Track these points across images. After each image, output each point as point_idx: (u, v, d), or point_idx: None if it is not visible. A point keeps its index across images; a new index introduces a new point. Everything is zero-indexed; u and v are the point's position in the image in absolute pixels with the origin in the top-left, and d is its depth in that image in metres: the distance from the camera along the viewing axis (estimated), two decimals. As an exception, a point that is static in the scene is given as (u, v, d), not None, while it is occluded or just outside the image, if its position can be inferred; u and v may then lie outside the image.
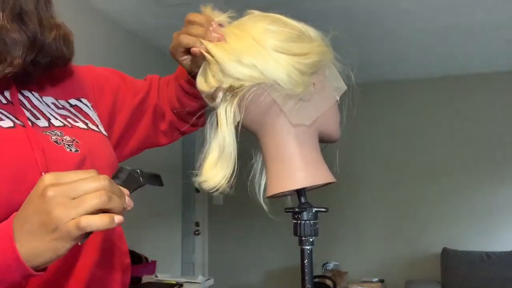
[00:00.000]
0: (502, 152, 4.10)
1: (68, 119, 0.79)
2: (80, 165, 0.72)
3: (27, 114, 0.73)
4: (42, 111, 0.76)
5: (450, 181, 4.17)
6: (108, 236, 0.78)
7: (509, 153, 4.08)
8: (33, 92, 0.78)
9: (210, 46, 0.69)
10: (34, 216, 0.51)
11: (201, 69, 0.73)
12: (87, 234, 0.52)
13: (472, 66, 4.05)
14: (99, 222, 0.51)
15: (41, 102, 0.78)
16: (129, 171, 0.64)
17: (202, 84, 0.71)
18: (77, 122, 0.80)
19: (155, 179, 0.64)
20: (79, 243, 0.53)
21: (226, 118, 0.68)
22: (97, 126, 0.83)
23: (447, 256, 3.93)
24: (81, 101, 0.85)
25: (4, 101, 0.72)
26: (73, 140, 0.76)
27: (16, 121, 0.70)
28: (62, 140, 0.74)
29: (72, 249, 0.54)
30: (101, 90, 0.92)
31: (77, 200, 0.51)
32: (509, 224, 4.04)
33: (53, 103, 0.80)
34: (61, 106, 0.81)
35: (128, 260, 0.86)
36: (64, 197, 0.51)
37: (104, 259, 0.77)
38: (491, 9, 2.88)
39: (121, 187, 0.56)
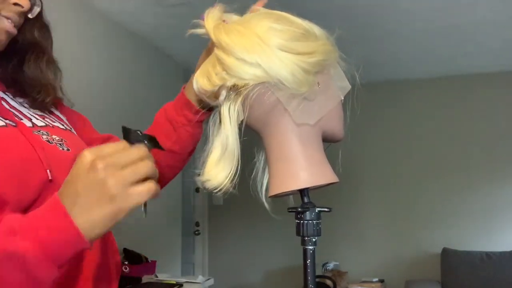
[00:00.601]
0: (502, 152, 4.10)
1: (46, 119, 0.81)
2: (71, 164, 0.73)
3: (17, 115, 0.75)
4: (21, 111, 0.78)
5: (450, 181, 4.17)
6: (104, 250, 0.79)
7: (509, 153, 4.08)
8: (6, 93, 0.80)
9: (219, 38, 0.68)
10: (88, 190, 0.53)
11: (201, 69, 0.72)
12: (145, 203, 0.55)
13: (472, 66, 4.05)
14: (153, 188, 0.54)
15: (16, 102, 0.80)
16: (138, 134, 0.62)
17: (205, 83, 0.70)
18: (54, 122, 0.82)
19: (155, 141, 0.64)
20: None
21: (230, 117, 0.68)
22: (71, 129, 0.86)
23: (447, 256, 3.93)
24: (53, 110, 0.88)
25: None
26: (61, 139, 0.78)
27: (5, 120, 0.71)
28: (53, 140, 0.76)
29: (72, 266, 0.57)
30: (77, 116, 0.95)
31: (129, 168, 0.53)
32: (509, 224, 4.04)
33: (27, 104, 0.82)
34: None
35: (120, 268, 0.87)
36: (114, 167, 0.53)
37: (103, 272, 0.78)
38: (491, 9, 2.88)
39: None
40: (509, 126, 4.12)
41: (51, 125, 0.79)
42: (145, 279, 2.76)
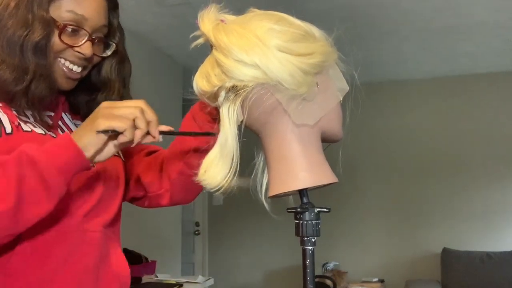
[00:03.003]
0: (502, 152, 4.10)
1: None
2: (95, 178, 0.83)
3: (59, 131, 0.85)
4: (70, 127, 0.88)
5: (450, 181, 4.17)
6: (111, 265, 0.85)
7: (510, 153, 4.08)
8: (67, 114, 0.89)
9: (217, 38, 0.68)
10: (87, 121, 0.70)
11: (201, 70, 0.72)
12: (114, 133, 0.69)
13: (472, 66, 4.05)
14: (119, 124, 0.68)
15: (73, 123, 0.89)
16: None
17: (204, 84, 0.70)
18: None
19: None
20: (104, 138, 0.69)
21: (229, 118, 0.68)
22: None
23: (447, 256, 3.93)
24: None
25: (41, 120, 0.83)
26: None
27: (46, 131, 0.81)
28: None
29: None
30: None
31: (117, 107, 0.69)
32: (509, 224, 4.04)
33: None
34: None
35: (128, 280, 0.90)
36: (110, 107, 0.70)
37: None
38: (491, 9, 2.88)
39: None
40: (509, 126, 4.12)
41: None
42: (145, 279, 2.76)
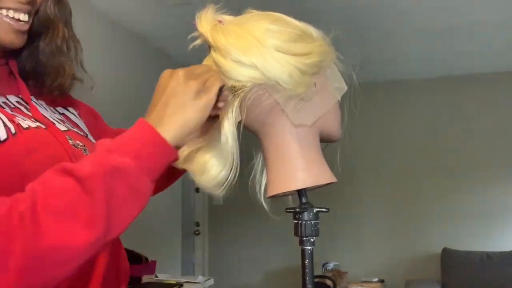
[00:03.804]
0: (502, 152, 4.10)
1: (66, 124, 0.79)
2: None
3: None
4: (44, 115, 0.75)
5: (450, 181, 4.17)
6: (115, 256, 0.80)
7: (509, 153, 4.08)
8: (31, 96, 0.77)
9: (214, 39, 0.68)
10: (173, 95, 0.60)
11: None
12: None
13: (472, 66, 4.05)
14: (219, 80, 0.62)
15: (39, 105, 0.78)
16: None
17: None
18: (74, 128, 0.80)
19: None
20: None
21: (228, 118, 0.68)
22: (86, 135, 0.83)
23: (447, 256, 3.93)
24: (68, 110, 0.85)
25: (12, 105, 0.71)
26: (84, 145, 0.77)
27: (36, 121, 0.70)
28: (77, 145, 0.75)
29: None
30: (89, 110, 0.92)
31: (200, 74, 0.62)
32: (509, 224, 4.04)
33: (48, 108, 0.80)
34: (54, 111, 0.81)
35: (128, 274, 0.87)
36: (191, 74, 0.61)
37: (113, 278, 0.78)
38: (491, 9, 2.88)
39: None
40: (509, 126, 4.11)
41: (71, 130, 0.78)
42: (145, 279, 2.76)
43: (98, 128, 0.91)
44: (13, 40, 0.70)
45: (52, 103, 0.81)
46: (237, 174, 0.68)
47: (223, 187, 0.68)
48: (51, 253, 0.50)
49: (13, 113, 0.68)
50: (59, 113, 0.81)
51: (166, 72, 0.63)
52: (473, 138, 4.18)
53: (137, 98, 3.27)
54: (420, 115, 4.32)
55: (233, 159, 0.68)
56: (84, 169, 0.53)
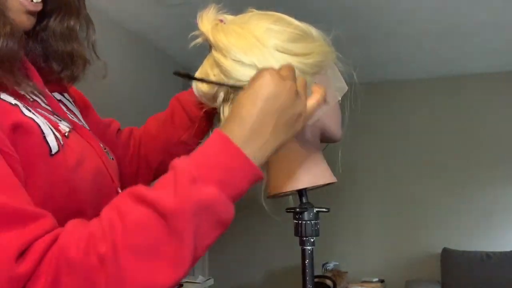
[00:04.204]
0: (502, 152, 4.10)
1: (74, 118, 0.73)
2: (118, 174, 0.73)
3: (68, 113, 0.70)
4: (62, 108, 0.70)
5: (450, 181, 4.17)
6: None
7: (509, 153, 4.08)
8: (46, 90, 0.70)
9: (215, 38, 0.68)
10: (277, 116, 0.54)
11: (200, 71, 0.72)
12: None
13: (472, 66, 4.05)
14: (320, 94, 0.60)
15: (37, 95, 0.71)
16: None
17: (203, 84, 0.70)
18: (81, 122, 0.75)
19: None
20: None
21: None
22: (83, 125, 0.77)
23: (447, 256, 3.93)
24: (64, 96, 0.77)
25: (30, 98, 0.63)
26: (105, 147, 0.73)
27: (63, 122, 0.65)
28: (104, 148, 0.72)
29: None
30: (81, 97, 0.85)
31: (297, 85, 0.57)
32: (509, 224, 4.04)
33: (60, 95, 0.74)
34: (57, 101, 0.74)
35: None
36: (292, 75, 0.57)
37: None
38: (491, 9, 2.88)
39: None
40: (509, 126, 4.11)
41: (79, 125, 0.72)
42: (145, 279, 2.76)
43: (90, 118, 0.83)
44: (25, 22, 0.62)
45: (48, 87, 0.72)
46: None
47: None
48: None
49: (41, 111, 0.62)
50: (57, 99, 0.73)
51: (269, 78, 0.54)
52: (473, 138, 4.18)
53: (136, 98, 3.27)
54: (420, 115, 4.31)
55: None
56: (168, 203, 0.48)
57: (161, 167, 0.87)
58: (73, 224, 0.50)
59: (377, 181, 4.34)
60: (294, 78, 0.57)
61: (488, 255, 3.81)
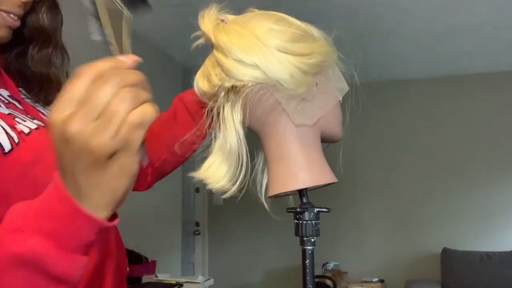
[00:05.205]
0: (502, 152, 4.10)
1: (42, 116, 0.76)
2: None
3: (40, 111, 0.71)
4: (37, 108, 0.73)
5: (450, 181, 4.17)
6: (120, 250, 0.79)
7: (509, 153, 4.08)
8: (20, 89, 0.74)
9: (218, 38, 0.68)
10: (78, 164, 0.41)
11: (201, 70, 0.72)
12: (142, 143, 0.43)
13: (472, 66, 4.05)
14: (147, 113, 0.42)
15: (29, 98, 0.74)
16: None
17: (204, 84, 0.70)
18: None
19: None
20: (141, 159, 0.44)
21: (233, 118, 0.68)
22: None
23: (447, 256, 3.93)
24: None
25: (5, 100, 0.68)
26: None
27: (33, 120, 0.67)
28: None
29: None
30: None
31: (106, 118, 0.40)
32: (509, 224, 4.04)
33: (26, 97, 0.76)
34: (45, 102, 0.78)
35: (126, 270, 0.86)
36: (89, 123, 0.40)
37: (119, 273, 0.78)
38: (491, 9, 2.88)
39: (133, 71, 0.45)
40: (509, 126, 4.12)
41: None
42: (145, 279, 2.76)
43: None
44: (4, 34, 0.68)
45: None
46: (248, 173, 0.68)
47: (228, 188, 0.68)
48: None
49: (9, 111, 0.66)
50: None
51: (56, 123, 0.40)
52: (473, 138, 4.18)
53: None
54: (420, 115, 4.32)
55: (242, 159, 0.68)
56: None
57: (163, 165, 0.89)
58: None
59: (377, 181, 4.34)
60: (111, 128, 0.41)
61: (488, 255, 3.81)
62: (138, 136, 0.42)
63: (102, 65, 0.43)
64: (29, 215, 0.44)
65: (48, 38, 0.76)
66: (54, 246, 0.43)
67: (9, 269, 0.43)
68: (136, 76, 0.44)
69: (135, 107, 0.42)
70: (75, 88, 0.41)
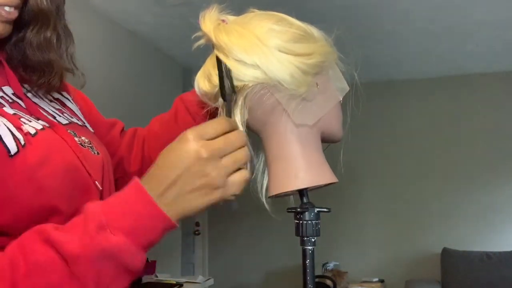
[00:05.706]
0: (502, 152, 4.10)
1: (65, 114, 0.74)
2: (103, 169, 0.71)
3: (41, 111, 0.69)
4: (43, 109, 0.71)
5: (450, 181, 4.17)
6: None
7: (509, 153, 4.09)
8: (23, 85, 0.71)
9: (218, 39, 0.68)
10: (192, 179, 0.54)
11: (202, 70, 0.72)
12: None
13: (472, 66, 4.05)
14: (248, 176, 0.58)
15: (34, 95, 0.72)
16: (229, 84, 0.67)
17: (205, 84, 0.70)
18: (73, 118, 0.75)
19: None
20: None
21: (235, 118, 0.68)
22: (84, 124, 0.78)
23: (447, 256, 3.93)
24: (62, 95, 0.78)
25: (9, 99, 0.66)
26: (90, 141, 0.73)
27: (38, 121, 0.65)
28: (84, 143, 0.71)
29: None
30: (81, 95, 0.86)
31: (230, 158, 0.56)
32: (509, 224, 4.04)
33: (44, 96, 0.74)
34: (52, 100, 0.75)
35: None
36: (217, 157, 0.55)
37: None
38: (491, 9, 2.88)
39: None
40: (509, 126, 4.12)
41: (72, 123, 0.73)
42: (145, 279, 2.76)
43: (92, 116, 0.85)
44: (1, 30, 0.65)
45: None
46: (253, 172, 0.69)
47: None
48: None
49: (14, 110, 0.64)
50: (54, 98, 0.76)
51: (190, 146, 0.55)
52: (473, 138, 4.18)
53: (136, 98, 3.27)
54: (420, 115, 4.32)
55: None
56: (71, 247, 0.49)
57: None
58: None
59: (377, 181, 4.34)
60: (219, 155, 0.56)
61: (488, 255, 3.81)
62: (234, 190, 0.57)
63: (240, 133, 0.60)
64: (110, 214, 0.51)
65: (47, 21, 0.71)
66: (133, 243, 0.51)
67: (93, 260, 0.49)
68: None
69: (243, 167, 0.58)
70: (216, 127, 0.58)
